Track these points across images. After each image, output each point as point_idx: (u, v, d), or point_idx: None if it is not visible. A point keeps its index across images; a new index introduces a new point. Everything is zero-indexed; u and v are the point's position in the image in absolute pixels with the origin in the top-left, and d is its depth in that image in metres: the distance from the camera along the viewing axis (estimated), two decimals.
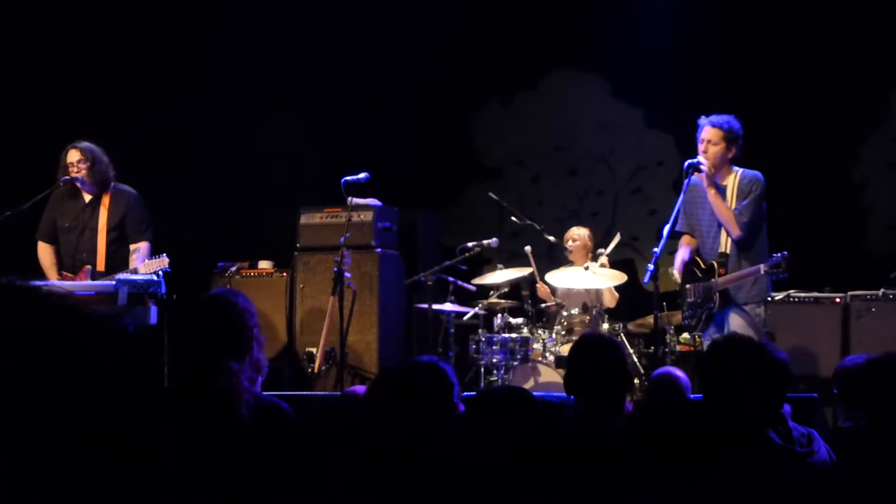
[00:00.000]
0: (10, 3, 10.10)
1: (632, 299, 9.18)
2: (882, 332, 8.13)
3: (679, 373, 5.26)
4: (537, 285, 9.11)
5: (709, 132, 7.17)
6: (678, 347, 8.61)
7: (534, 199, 11.18)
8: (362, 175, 8.48)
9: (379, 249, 9.25)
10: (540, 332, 8.76)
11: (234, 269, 9.62)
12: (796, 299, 8.68)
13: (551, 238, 9.44)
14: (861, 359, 4.98)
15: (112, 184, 8.02)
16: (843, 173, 10.22)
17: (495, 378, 8.51)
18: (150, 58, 10.38)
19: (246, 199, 10.67)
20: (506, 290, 9.06)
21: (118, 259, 7.91)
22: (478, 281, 9.17)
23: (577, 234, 9.26)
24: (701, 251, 7.39)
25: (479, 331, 8.84)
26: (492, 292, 9.06)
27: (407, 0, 10.69)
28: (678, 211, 7.20)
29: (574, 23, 10.69)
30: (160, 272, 7.52)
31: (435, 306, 8.92)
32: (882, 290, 8.56)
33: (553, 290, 9.24)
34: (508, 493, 2.29)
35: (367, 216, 9.24)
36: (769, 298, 7.34)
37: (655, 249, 6.98)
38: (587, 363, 3.91)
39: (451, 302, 8.97)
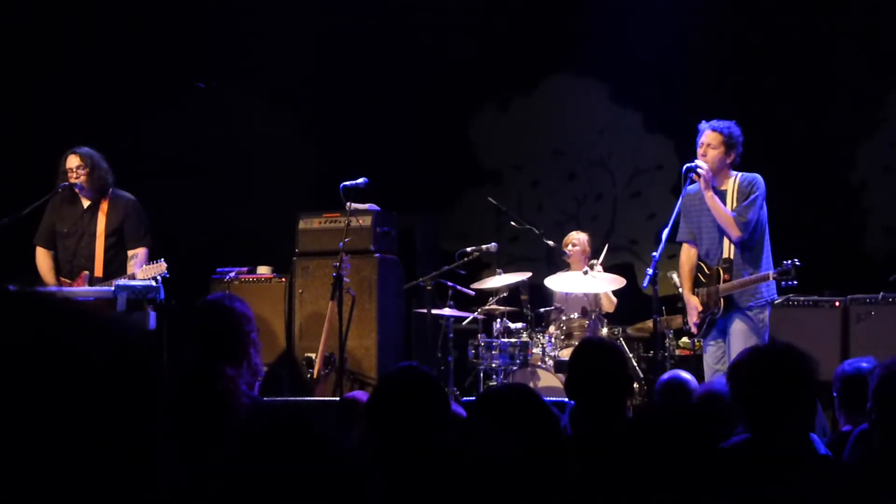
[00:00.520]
0: (10, 3, 10.06)
1: (631, 303, 9.17)
2: (882, 336, 8.13)
3: (687, 375, 5.26)
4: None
5: (708, 136, 7.18)
6: (677, 352, 8.61)
7: (533, 204, 11.18)
8: (361, 180, 8.49)
9: (378, 254, 9.25)
10: (539, 336, 8.75)
11: (232, 274, 9.62)
12: (795, 303, 8.68)
13: (550, 242, 9.44)
14: (861, 362, 4.98)
15: (111, 189, 8.01)
16: (842, 176, 10.22)
17: (495, 383, 8.50)
18: (148, 61, 10.36)
19: (244, 205, 10.66)
20: (505, 294, 9.05)
21: (116, 265, 7.91)
22: (477, 285, 9.16)
23: (577, 239, 9.25)
24: (703, 256, 7.38)
25: (479, 335, 8.83)
26: (491, 297, 9.05)
27: (405, 4, 10.69)
28: (677, 218, 7.19)
29: (573, 27, 10.69)
30: (158, 277, 7.51)
31: (434, 311, 8.91)
32: (881, 293, 8.56)
33: (551, 295, 9.23)
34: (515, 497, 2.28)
35: (366, 221, 9.23)
36: (773, 301, 7.33)
37: (654, 253, 6.98)
38: (588, 367, 3.90)
39: (451, 307, 8.96)
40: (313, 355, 8.89)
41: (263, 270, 9.72)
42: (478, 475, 1.81)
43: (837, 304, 8.62)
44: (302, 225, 9.53)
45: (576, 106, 11.05)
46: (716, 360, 7.20)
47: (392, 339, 9.34)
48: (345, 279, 8.36)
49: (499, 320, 8.80)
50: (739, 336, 6.97)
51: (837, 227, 10.04)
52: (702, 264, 7.36)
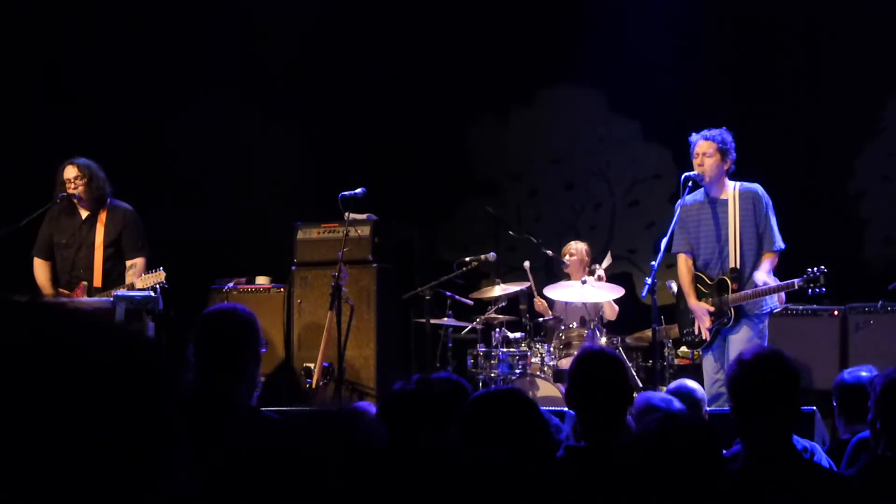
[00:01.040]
0: (9, 4, 10.05)
1: (630, 313, 9.16)
2: (880, 345, 8.12)
3: (694, 385, 5.25)
4: (535, 300, 9.09)
5: (702, 146, 7.18)
6: (676, 361, 8.60)
7: (531, 214, 11.18)
8: (359, 190, 8.49)
9: (376, 264, 9.25)
10: (538, 346, 8.75)
11: (231, 284, 9.61)
12: (794, 312, 8.67)
13: (549, 252, 9.44)
14: (860, 371, 4.98)
15: (109, 200, 8.00)
16: (839, 186, 10.23)
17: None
18: (146, 73, 10.35)
19: (243, 215, 10.65)
20: (504, 304, 9.05)
21: (115, 275, 7.90)
22: (476, 295, 9.15)
23: (575, 249, 9.25)
24: (701, 268, 7.37)
25: (478, 345, 8.82)
26: (490, 307, 9.04)
27: (403, 16, 10.71)
28: (672, 233, 7.19)
29: (570, 36, 10.70)
30: (157, 287, 7.51)
31: (433, 321, 8.90)
32: (880, 302, 8.56)
33: (551, 304, 9.22)
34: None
35: (365, 231, 9.24)
36: (773, 311, 7.33)
37: (653, 263, 6.97)
38: (588, 376, 3.90)
39: (449, 316, 8.96)
40: (312, 365, 8.89)
41: (262, 280, 9.72)
42: (473, 479, 1.81)
43: (836, 313, 8.62)
44: (300, 235, 9.53)
45: (574, 115, 11.05)
46: (716, 370, 7.19)
47: (391, 349, 9.34)
48: (343, 289, 8.35)
49: (497, 330, 8.79)
50: (739, 345, 6.96)
51: (836, 236, 10.04)
52: (701, 275, 7.35)
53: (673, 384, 5.40)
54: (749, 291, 7.07)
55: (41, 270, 8.05)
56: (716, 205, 7.25)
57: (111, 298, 7.40)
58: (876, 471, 3.50)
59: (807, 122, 10.08)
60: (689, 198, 7.29)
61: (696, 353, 7.84)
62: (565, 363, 8.26)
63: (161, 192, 10.12)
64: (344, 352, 8.48)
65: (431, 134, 10.87)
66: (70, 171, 7.86)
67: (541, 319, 9.10)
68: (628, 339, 8.81)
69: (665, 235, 7.09)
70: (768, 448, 3.35)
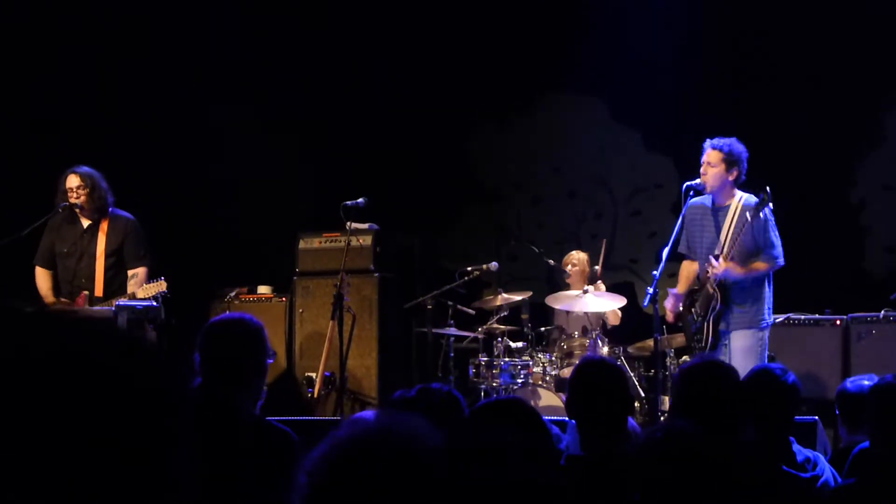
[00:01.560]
0: (9, 4, 10.05)
1: (631, 322, 9.16)
2: (883, 354, 8.11)
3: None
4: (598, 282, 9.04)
5: (709, 154, 7.17)
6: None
7: (532, 222, 11.17)
8: (360, 199, 8.49)
9: (378, 273, 9.25)
10: (540, 355, 8.74)
11: (233, 293, 9.62)
12: (796, 321, 8.67)
13: (550, 262, 9.44)
14: (863, 380, 4.98)
15: (110, 209, 8.00)
16: (841, 195, 10.23)
17: None
18: (146, 74, 10.35)
19: (245, 224, 10.65)
20: (505, 313, 9.04)
21: (116, 285, 7.90)
22: (477, 305, 9.15)
23: (577, 259, 9.26)
24: (700, 273, 7.38)
25: (479, 355, 8.82)
26: (492, 316, 9.04)
27: (402, 24, 10.72)
28: (677, 236, 7.19)
29: (572, 45, 10.70)
30: (159, 296, 7.51)
31: (435, 330, 8.90)
32: (883, 311, 8.55)
33: (552, 314, 9.23)
34: None
35: (366, 240, 9.25)
36: (770, 322, 7.32)
37: (655, 272, 6.98)
38: (589, 386, 3.90)
39: (451, 326, 8.96)
40: (314, 375, 8.89)
41: (264, 290, 9.73)
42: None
43: (838, 322, 8.61)
44: (302, 244, 9.54)
45: (575, 124, 11.05)
46: None
47: (393, 359, 9.34)
48: (345, 298, 8.35)
49: (499, 339, 8.79)
50: (742, 354, 6.97)
51: (838, 245, 10.03)
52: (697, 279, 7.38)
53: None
54: (735, 266, 7.06)
55: (43, 280, 8.05)
56: (719, 212, 7.24)
57: (113, 308, 7.40)
58: (873, 474, 3.51)
59: (808, 131, 10.07)
60: (696, 199, 7.27)
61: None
62: (567, 373, 8.25)
63: (162, 201, 10.11)
64: (346, 361, 8.48)
65: (432, 142, 10.88)
66: (72, 181, 7.86)
67: (542, 329, 9.10)
68: (630, 349, 8.81)
69: (667, 245, 7.08)
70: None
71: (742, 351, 7.03)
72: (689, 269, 7.51)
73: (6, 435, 1.12)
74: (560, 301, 8.80)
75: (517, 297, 8.97)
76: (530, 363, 8.62)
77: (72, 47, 10.17)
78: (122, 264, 7.96)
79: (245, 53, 10.79)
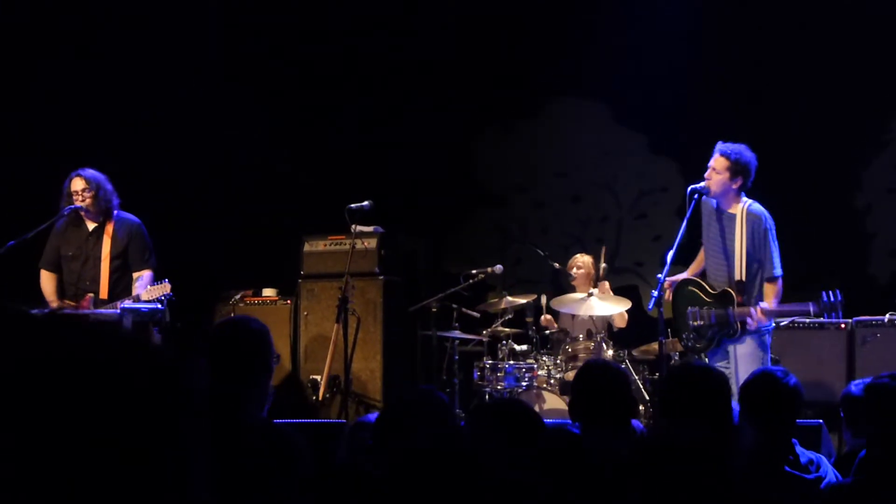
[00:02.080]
0: (9, 4, 10.07)
1: (636, 325, 9.16)
2: (887, 358, 8.10)
3: None
4: (600, 283, 9.02)
5: (716, 160, 7.14)
6: None
7: (537, 226, 11.17)
8: (365, 202, 8.49)
9: (383, 276, 9.26)
10: (544, 358, 8.74)
11: (238, 296, 9.63)
12: (801, 325, 8.66)
13: (556, 265, 9.44)
14: (866, 383, 4.98)
15: (116, 212, 8.00)
16: (846, 199, 10.22)
17: None
18: (146, 77, 10.36)
19: (249, 227, 10.66)
20: (510, 316, 9.05)
21: (121, 287, 7.90)
22: (482, 308, 9.16)
23: (582, 262, 9.26)
24: (707, 272, 7.37)
25: (484, 358, 8.82)
26: (496, 319, 9.04)
27: (407, 27, 10.74)
28: (682, 237, 7.18)
29: (577, 49, 10.71)
30: (163, 298, 7.51)
31: (439, 333, 8.90)
32: (887, 315, 8.54)
33: (557, 317, 9.23)
34: None
35: (371, 243, 9.25)
36: (772, 327, 7.31)
37: (660, 275, 6.97)
38: (592, 389, 3.90)
39: (456, 329, 8.96)
40: (318, 378, 8.89)
41: (269, 293, 9.74)
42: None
43: (843, 326, 8.60)
44: (307, 247, 9.55)
45: (580, 128, 11.05)
46: None
47: (397, 362, 9.34)
48: (350, 301, 8.36)
49: (504, 342, 8.79)
50: (746, 359, 6.96)
51: (843, 249, 10.02)
52: (703, 283, 7.35)
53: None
54: (776, 310, 7.04)
55: (48, 282, 8.05)
56: (723, 217, 7.23)
57: (118, 310, 7.41)
58: (870, 474, 3.51)
59: (813, 134, 10.06)
60: (705, 198, 7.25)
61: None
62: (572, 375, 8.25)
63: (166, 204, 10.12)
64: (350, 364, 8.48)
65: (438, 146, 10.89)
66: (77, 184, 7.86)
67: (547, 332, 9.11)
68: (635, 352, 8.81)
69: (672, 248, 7.08)
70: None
71: (746, 355, 7.02)
72: (701, 257, 7.50)
73: (8, 436, 1.13)
74: (565, 304, 8.80)
75: (522, 300, 8.97)
76: (535, 366, 8.62)
77: (72, 47, 10.19)
78: (128, 267, 7.96)
79: (248, 53, 10.80)
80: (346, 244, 9.05)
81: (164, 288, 7.54)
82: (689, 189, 7.18)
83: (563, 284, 9.57)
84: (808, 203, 9.93)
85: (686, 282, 7.41)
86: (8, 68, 9.92)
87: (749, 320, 6.96)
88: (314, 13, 10.83)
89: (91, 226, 7.98)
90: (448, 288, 9.07)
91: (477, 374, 8.73)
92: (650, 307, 7.05)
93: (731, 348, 7.12)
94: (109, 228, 7.97)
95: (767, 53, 10.34)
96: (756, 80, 10.38)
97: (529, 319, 9.04)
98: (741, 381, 4.70)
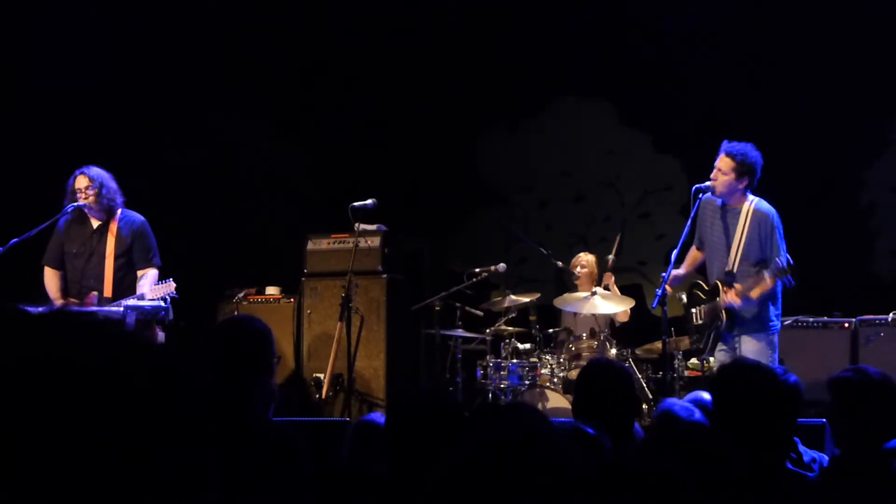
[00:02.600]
0: (10, 4, 10.06)
1: (640, 324, 9.15)
2: (891, 356, 8.10)
3: (710, 396, 5.22)
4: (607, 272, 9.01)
5: (721, 160, 7.12)
6: (686, 373, 8.58)
7: (541, 225, 11.17)
8: (369, 201, 8.49)
9: (386, 275, 9.25)
10: (548, 357, 8.74)
11: (241, 294, 9.63)
12: (805, 324, 8.66)
13: (559, 263, 9.43)
14: None
15: (120, 210, 7.99)
16: (850, 198, 10.21)
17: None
18: (147, 78, 10.35)
19: (253, 225, 10.67)
20: (513, 315, 9.05)
21: (125, 285, 7.89)
22: (485, 306, 9.16)
23: (585, 261, 9.27)
24: (708, 270, 7.37)
25: (487, 356, 8.82)
26: (500, 318, 9.04)
27: (411, 26, 10.73)
28: (687, 235, 7.17)
29: (581, 48, 10.71)
30: (167, 297, 7.51)
31: (443, 332, 8.90)
32: (891, 314, 8.54)
33: (560, 315, 9.23)
34: None
35: (375, 242, 9.25)
36: (779, 326, 7.29)
37: (664, 274, 6.97)
38: (595, 388, 3.90)
39: (459, 327, 8.96)
40: (322, 376, 8.89)
41: (272, 291, 9.74)
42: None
43: (847, 325, 8.60)
44: (310, 246, 9.54)
45: (584, 127, 11.05)
46: None
47: (401, 360, 9.34)
48: (353, 300, 8.36)
49: (507, 341, 8.79)
50: (750, 357, 6.95)
51: (847, 248, 10.01)
52: (700, 282, 7.35)
53: (688, 396, 5.38)
54: (740, 289, 6.98)
55: (51, 280, 8.04)
56: (727, 213, 7.22)
57: (121, 309, 7.41)
58: (838, 469, 3.52)
59: (817, 134, 10.06)
60: (708, 195, 7.23)
61: (706, 364, 7.82)
62: (575, 374, 8.25)
63: (170, 202, 10.12)
64: (354, 363, 8.48)
65: (442, 144, 10.89)
66: (81, 181, 7.85)
67: (550, 330, 9.11)
68: (638, 351, 8.80)
69: (676, 247, 7.07)
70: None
71: (752, 354, 7.01)
72: (694, 255, 7.50)
73: (9, 434, 1.13)
74: (568, 303, 8.80)
75: (525, 299, 8.97)
76: (538, 365, 8.62)
77: (72, 47, 10.19)
78: (132, 265, 7.95)
79: (248, 53, 10.80)
80: (349, 243, 9.05)
81: (169, 287, 7.53)
82: (694, 188, 7.17)
83: (566, 283, 9.56)
84: (812, 202, 9.93)
85: (693, 284, 7.42)
86: (8, 68, 9.92)
87: (731, 303, 6.96)
88: (314, 13, 10.83)
89: (95, 223, 7.97)
90: (451, 286, 9.07)
91: (480, 372, 8.73)
92: (654, 305, 7.05)
93: (737, 346, 7.12)
94: (114, 226, 7.96)
95: (772, 53, 10.33)
96: (761, 79, 10.38)
97: (533, 318, 9.03)
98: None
